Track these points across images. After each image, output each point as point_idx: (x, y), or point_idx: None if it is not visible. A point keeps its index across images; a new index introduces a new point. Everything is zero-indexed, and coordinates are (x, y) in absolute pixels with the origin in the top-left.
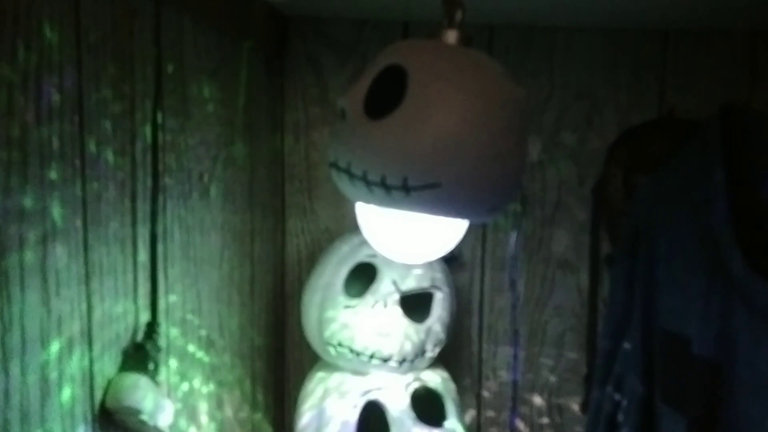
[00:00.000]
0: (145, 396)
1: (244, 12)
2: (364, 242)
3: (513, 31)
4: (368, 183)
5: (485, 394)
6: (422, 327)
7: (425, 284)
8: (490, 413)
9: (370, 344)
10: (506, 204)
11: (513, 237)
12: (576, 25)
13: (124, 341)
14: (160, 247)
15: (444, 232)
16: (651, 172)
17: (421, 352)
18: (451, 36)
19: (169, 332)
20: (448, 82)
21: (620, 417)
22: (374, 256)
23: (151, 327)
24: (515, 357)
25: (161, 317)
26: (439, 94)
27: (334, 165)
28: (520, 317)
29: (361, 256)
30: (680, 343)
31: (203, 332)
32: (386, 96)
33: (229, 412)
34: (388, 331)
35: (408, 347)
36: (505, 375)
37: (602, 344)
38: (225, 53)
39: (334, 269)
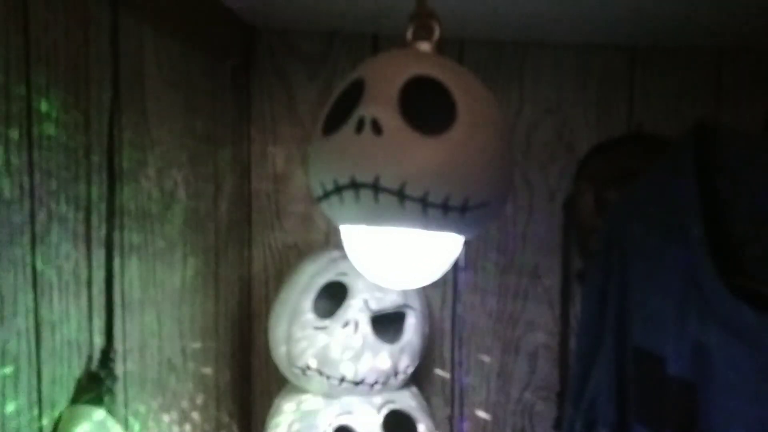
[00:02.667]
0: (99, 430)
1: (210, 22)
2: (333, 260)
3: (484, 45)
4: (426, 205)
5: (457, 413)
6: (395, 347)
7: (397, 303)
8: None
9: (341, 367)
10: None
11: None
12: (546, 40)
13: (77, 370)
14: (116, 269)
15: (445, 251)
16: (622, 188)
17: (393, 373)
18: (426, 48)
19: (127, 358)
20: (486, 99)
21: None
22: (345, 274)
23: (107, 354)
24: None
25: (118, 343)
26: (486, 113)
27: (363, 185)
28: (494, 333)
29: (331, 275)
30: (654, 362)
31: (164, 357)
32: (421, 110)
33: None
34: (360, 353)
35: (380, 369)
36: (478, 393)
37: (576, 361)
38: (189, 64)
39: (303, 288)
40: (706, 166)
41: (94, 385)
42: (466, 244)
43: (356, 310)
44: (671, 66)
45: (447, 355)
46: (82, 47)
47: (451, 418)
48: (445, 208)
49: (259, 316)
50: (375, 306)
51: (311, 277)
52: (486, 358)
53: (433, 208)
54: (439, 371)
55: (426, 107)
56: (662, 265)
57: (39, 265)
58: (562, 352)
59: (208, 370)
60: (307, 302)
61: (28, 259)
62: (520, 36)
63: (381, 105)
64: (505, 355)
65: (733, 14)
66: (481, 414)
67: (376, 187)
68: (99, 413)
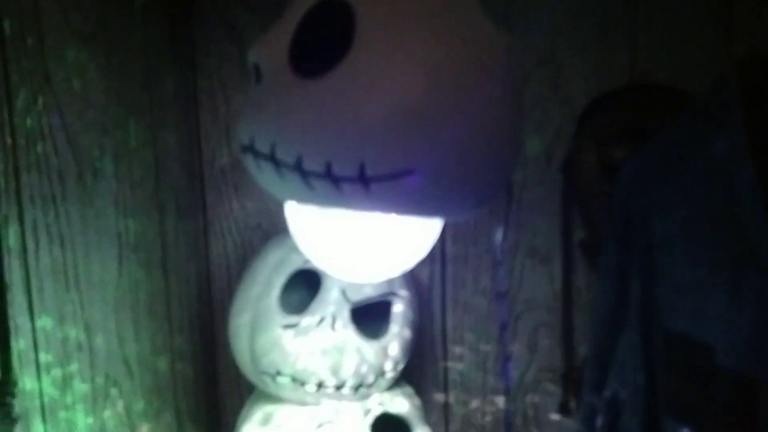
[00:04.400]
0: None
1: None
2: None
3: None
4: (305, 174)
5: (452, 402)
6: (380, 344)
7: (381, 291)
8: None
9: (317, 371)
10: (497, 192)
11: (499, 234)
12: None
13: None
14: (16, 268)
15: (412, 238)
16: (629, 145)
17: (380, 373)
18: None
19: (41, 386)
20: (414, 22)
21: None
22: None
23: (3, 388)
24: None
25: (22, 366)
26: (403, 40)
27: (249, 149)
28: (489, 312)
29: (300, 262)
30: (698, 350)
31: (100, 371)
32: (322, 46)
33: None
34: (340, 353)
35: (364, 370)
36: (473, 378)
37: (594, 346)
38: (107, 13)
39: (267, 279)
40: (753, 116)
41: None
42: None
43: (333, 302)
44: (677, 6)
45: (438, 338)
46: None
47: (445, 407)
48: (331, 177)
49: (222, 310)
50: (355, 296)
51: (276, 266)
52: (482, 340)
53: (316, 178)
54: (429, 359)
55: (317, 41)
56: (705, 236)
57: None
58: (565, 330)
59: (162, 378)
60: (273, 296)
61: None
62: None
63: (267, 45)
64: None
65: None
66: (479, 402)
67: (252, 151)
68: None
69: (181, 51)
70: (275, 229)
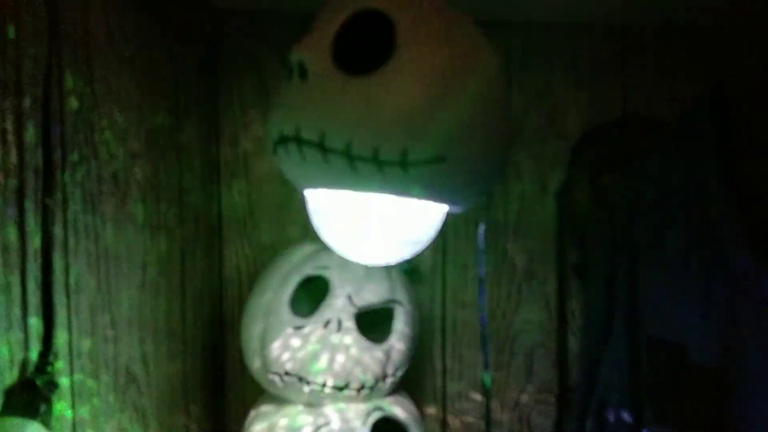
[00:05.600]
0: None
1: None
2: (311, 253)
3: None
4: (352, 158)
5: (450, 419)
6: (382, 348)
7: (384, 298)
8: None
9: (323, 371)
10: (495, 185)
11: (481, 229)
12: (534, 20)
13: (8, 378)
14: (58, 262)
15: (418, 223)
16: (619, 173)
17: (381, 376)
18: None
19: (74, 366)
20: (443, 34)
21: None
22: (325, 267)
23: (44, 359)
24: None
25: (62, 349)
26: (439, 46)
27: (294, 138)
28: (487, 331)
29: (310, 269)
30: (676, 352)
31: (121, 365)
32: (362, 48)
33: None
34: (344, 354)
35: (367, 372)
36: (472, 397)
37: (583, 357)
38: (146, 40)
39: (279, 284)
40: (726, 135)
41: (28, 395)
42: (454, 238)
43: (339, 307)
44: (664, 45)
45: (437, 356)
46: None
47: (443, 422)
48: (377, 162)
49: (232, 322)
50: (360, 302)
51: (287, 273)
52: (479, 360)
53: (361, 162)
54: (428, 374)
55: (360, 45)
56: (680, 248)
57: None
58: (560, 351)
59: (174, 380)
60: (284, 300)
61: None
62: (507, 16)
63: (311, 46)
64: (499, 357)
65: None
66: (474, 420)
67: (297, 140)
68: (33, 427)
69: (207, 82)
70: (285, 247)
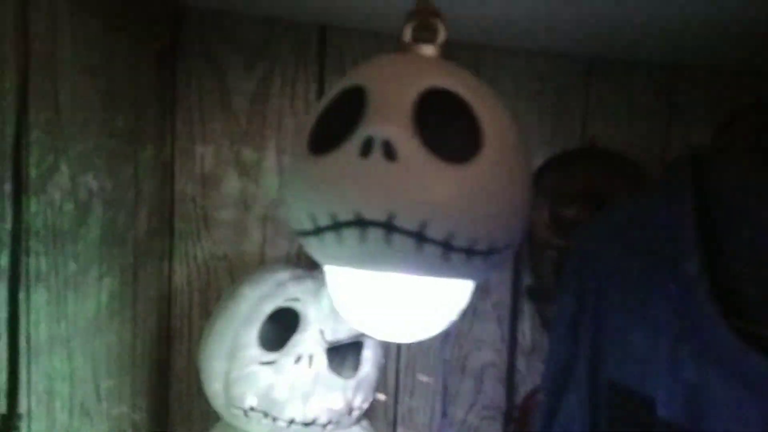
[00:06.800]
0: None
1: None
2: (281, 283)
3: None
4: (449, 249)
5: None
6: (351, 383)
7: (356, 332)
8: None
9: (292, 407)
10: None
11: None
12: (502, 45)
13: None
14: (22, 307)
15: (454, 297)
16: (578, 202)
17: (348, 411)
18: (430, 52)
19: (32, 414)
20: (510, 119)
21: None
22: (296, 300)
23: (8, 420)
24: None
25: (23, 401)
26: (513, 137)
27: (372, 223)
28: (439, 352)
29: (280, 301)
30: (641, 402)
31: (76, 402)
32: (440, 131)
33: None
34: (313, 390)
35: (335, 407)
36: (422, 416)
37: (545, 390)
38: (109, 46)
39: (246, 318)
40: (702, 197)
41: None
42: None
43: (310, 342)
44: (625, 80)
45: (390, 375)
46: None
47: None
48: (469, 252)
49: (180, 336)
50: (331, 337)
51: (255, 304)
52: (430, 379)
53: (456, 252)
54: (380, 394)
55: (445, 128)
56: (650, 299)
57: None
58: (509, 370)
59: (123, 406)
60: (252, 334)
61: None
62: (474, 38)
63: (393, 123)
64: (452, 374)
65: (686, 32)
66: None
67: (389, 227)
68: None
69: (163, 83)
70: (241, 261)
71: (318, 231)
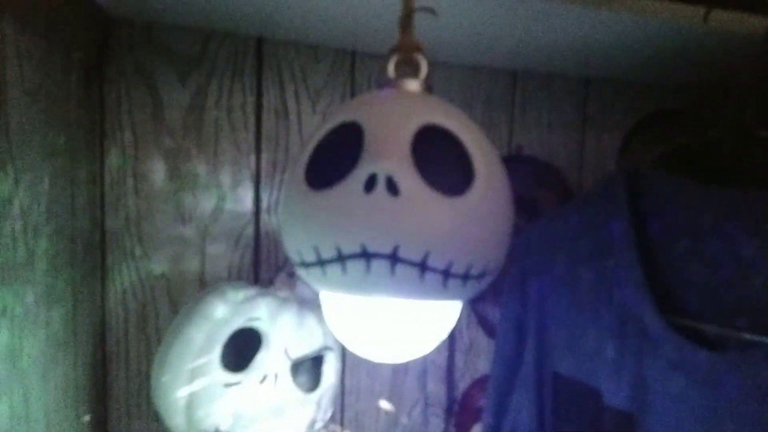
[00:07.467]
0: None
1: (61, 6)
2: (240, 303)
3: (375, 59)
4: (448, 276)
5: None
6: (314, 396)
7: (317, 346)
8: None
9: (260, 426)
10: None
11: None
12: (436, 60)
13: None
14: None
15: (446, 316)
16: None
17: (312, 424)
18: (414, 87)
19: None
20: (494, 152)
21: None
22: (257, 319)
23: None
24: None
25: None
26: (498, 169)
27: (377, 255)
28: None
29: (241, 321)
30: (587, 393)
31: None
32: (436, 166)
33: None
34: (281, 408)
35: (302, 423)
36: (370, 417)
37: (492, 390)
38: (47, 65)
39: (206, 341)
40: (637, 209)
41: None
42: None
43: (275, 360)
44: (546, 91)
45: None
46: None
47: None
48: (465, 278)
49: (117, 360)
50: (295, 354)
51: (217, 325)
52: (376, 382)
53: (454, 278)
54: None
55: (440, 163)
56: (594, 300)
57: None
58: (449, 368)
59: None
60: (214, 357)
61: None
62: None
63: (394, 160)
64: (395, 376)
65: (598, 47)
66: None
67: (393, 258)
68: None
69: (92, 97)
70: (181, 279)
71: (321, 263)
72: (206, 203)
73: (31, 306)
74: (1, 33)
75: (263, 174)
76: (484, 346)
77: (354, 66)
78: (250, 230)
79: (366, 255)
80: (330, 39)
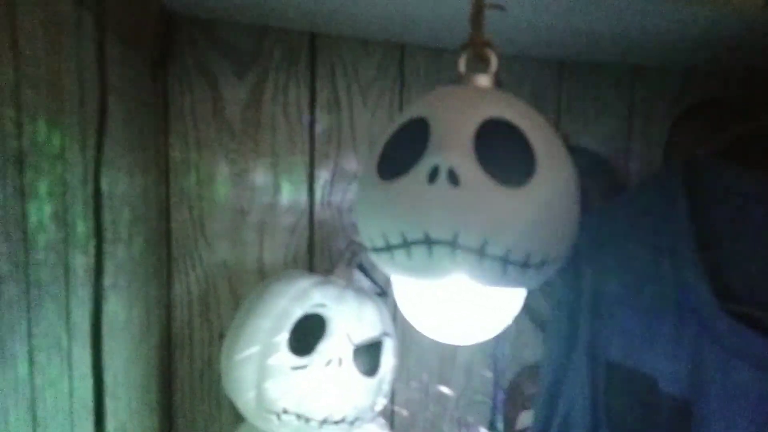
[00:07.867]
0: None
1: (136, 8)
2: (305, 290)
3: (423, 51)
4: (507, 263)
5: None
6: (374, 380)
7: (377, 332)
8: None
9: (324, 408)
10: None
11: None
12: None
13: None
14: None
15: (509, 303)
16: None
17: (372, 406)
18: (484, 82)
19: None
20: (559, 145)
21: None
22: (322, 305)
23: None
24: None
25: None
26: (562, 161)
27: (438, 241)
28: (433, 346)
29: (307, 307)
30: (642, 381)
31: (120, 418)
32: (498, 158)
33: None
34: (344, 391)
35: (362, 405)
36: (420, 408)
37: (546, 378)
38: (130, 66)
39: (274, 325)
40: (695, 197)
41: None
42: None
43: (339, 345)
44: (593, 80)
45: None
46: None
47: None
48: (524, 266)
49: (182, 345)
50: (357, 339)
51: (282, 312)
52: (424, 370)
53: (513, 266)
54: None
55: (502, 155)
56: (650, 289)
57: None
58: (496, 357)
59: (144, 417)
60: (282, 340)
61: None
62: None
63: (456, 152)
64: (443, 365)
65: (650, 36)
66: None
67: (453, 244)
68: None
69: (157, 92)
70: (240, 266)
71: (389, 248)
72: (263, 196)
73: (131, 288)
74: (100, 43)
75: (316, 167)
76: (531, 335)
77: (403, 59)
78: (304, 221)
79: (428, 241)
80: (379, 32)
